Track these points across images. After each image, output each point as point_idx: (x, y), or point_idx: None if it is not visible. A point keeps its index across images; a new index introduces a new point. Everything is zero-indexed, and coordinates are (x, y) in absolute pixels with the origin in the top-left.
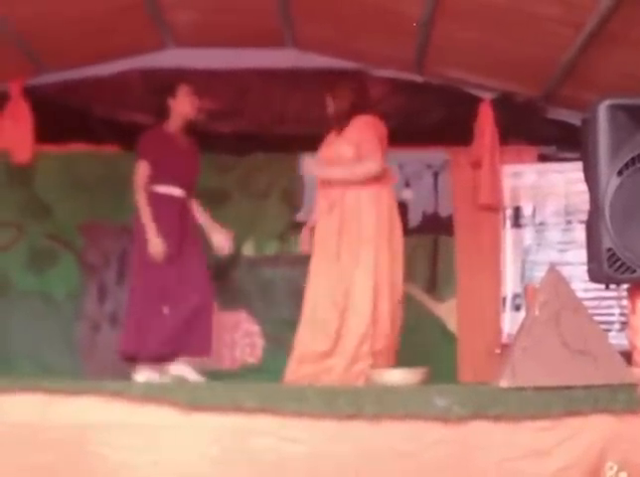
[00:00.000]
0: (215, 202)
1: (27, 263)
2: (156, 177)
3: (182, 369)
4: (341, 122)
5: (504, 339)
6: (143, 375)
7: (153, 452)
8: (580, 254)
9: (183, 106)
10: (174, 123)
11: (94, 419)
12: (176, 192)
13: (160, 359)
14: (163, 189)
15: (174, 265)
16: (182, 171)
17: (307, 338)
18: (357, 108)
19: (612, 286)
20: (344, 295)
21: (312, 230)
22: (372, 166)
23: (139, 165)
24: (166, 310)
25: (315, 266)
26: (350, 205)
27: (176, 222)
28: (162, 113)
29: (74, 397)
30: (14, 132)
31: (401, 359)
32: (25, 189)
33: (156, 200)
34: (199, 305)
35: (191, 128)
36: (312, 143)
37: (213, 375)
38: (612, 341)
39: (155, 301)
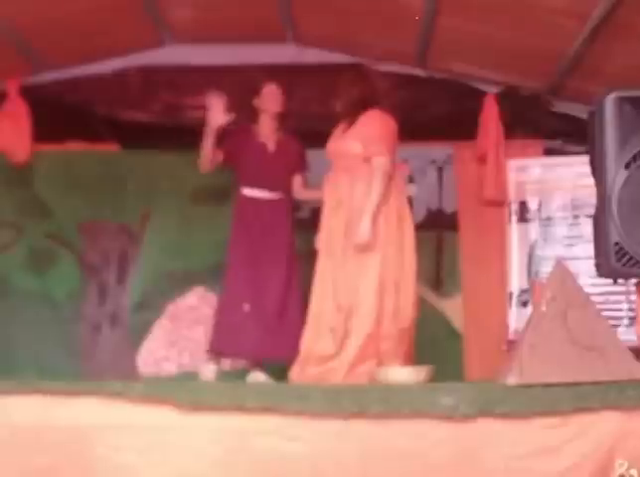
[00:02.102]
0: (215, 199)
1: (26, 264)
2: (241, 179)
3: (257, 376)
4: (349, 117)
5: (511, 335)
6: (208, 369)
7: (155, 453)
8: (588, 249)
9: (267, 104)
10: (264, 123)
11: (96, 420)
12: (263, 194)
13: (241, 356)
14: (248, 191)
15: (259, 267)
16: (268, 173)
17: (313, 339)
18: (366, 103)
19: (620, 281)
20: (349, 296)
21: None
22: (382, 170)
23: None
24: (247, 308)
25: (321, 267)
26: (358, 202)
27: (261, 224)
28: (250, 115)
29: (74, 398)
30: (12, 132)
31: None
32: (24, 189)
33: (242, 202)
34: (280, 308)
35: (283, 124)
36: (314, 139)
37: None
38: (621, 336)
39: (237, 299)
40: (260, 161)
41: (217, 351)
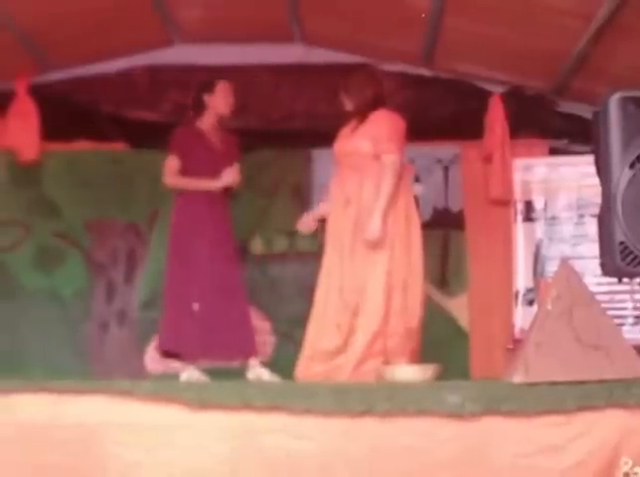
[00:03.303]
0: None
1: (34, 263)
2: (186, 173)
3: (259, 372)
4: (359, 117)
5: (516, 334)
6: (185, 374)
7: (162, 451)
8: (593, 248)
9: (218, 103)
10: (208, 119)
11: (104, 419)
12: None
13: (192, 355)
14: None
15: (204, 262)
16: (213, 168)
17: (317, 336)
18: (375, 103)
19: (625, 280)
20: (356, 293)
21: (322, 220)
22: (392, 168)
23: (167, 159)
24: (196, 307)
25: (328, 263)
26: (367, 200)
27: (206, 218)
28: (196, 109)
29: (83, 396)
30: (20, 130)
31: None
32: (31, 187)
33: (187, 196)
34: (230, 304)
35: (224, 125)
36: (321, 139)
37: (222, 372)
38: (626, 335)
39: (185, 298)
40: (207, 156)
41: (166, 352)
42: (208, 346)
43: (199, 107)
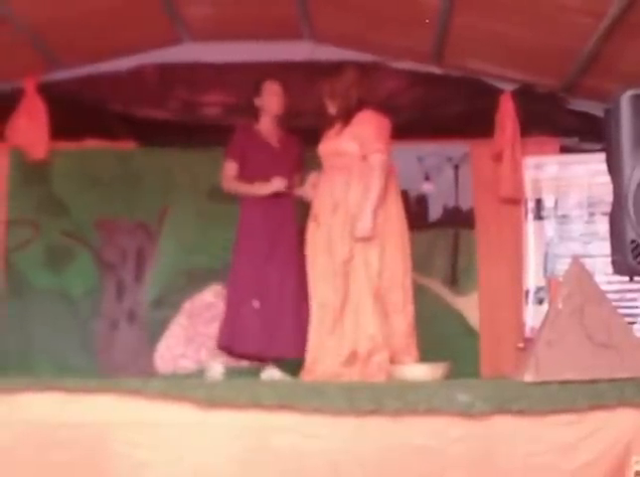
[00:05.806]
0: (232, 197)
1: (44, 262)
2: (244, 175)
3: (272, 373)
4: (344, 118)
5: (527, 333)
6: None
7: (172, 450)
8: (603, 247)
9: (267, 103)
10: (264, 122)
11: (113, 417)
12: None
13: (246, 355)
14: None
15: (266, 263)
16: (272, 171)
17: (319, 341)
18: (361, 103)
19: (636, 278)
20: (354, 294)
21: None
22: (381, 166)
23: (225, 165)
24: (256, 304)
25: (322, 268)
26: (355, 201)
27: (266, 222)
28: (253, 112)
29: (92, 395)
30: (29, 129)
31: (422, 354)
32: (41, 186)
33: (246, 200)
34: (289, 305)
35: (284, 125)
36: None
37: (232, 371)
38: (637, 333)
39: (246, 296)
40: (265, 158)
41: (225, 348)
42: (262, 345)
43: (254, 110)
